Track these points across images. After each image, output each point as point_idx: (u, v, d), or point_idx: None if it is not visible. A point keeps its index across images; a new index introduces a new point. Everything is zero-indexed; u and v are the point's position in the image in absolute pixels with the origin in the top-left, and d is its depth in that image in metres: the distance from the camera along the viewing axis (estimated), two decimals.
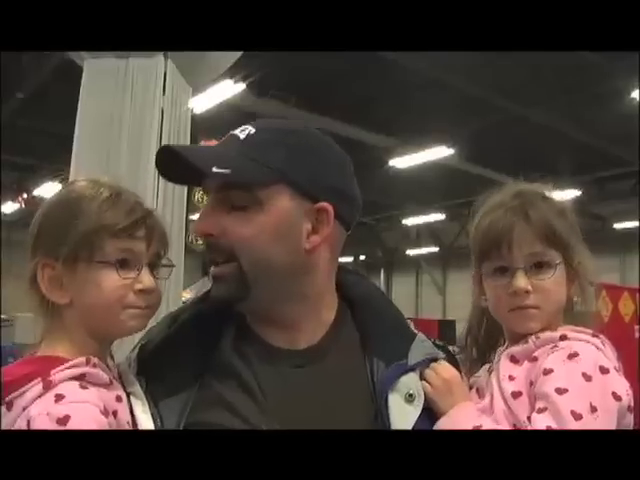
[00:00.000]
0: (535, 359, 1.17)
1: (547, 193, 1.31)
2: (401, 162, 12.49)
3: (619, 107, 9.79)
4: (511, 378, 1.18)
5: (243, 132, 1.18)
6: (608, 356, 1.16)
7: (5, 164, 12.91)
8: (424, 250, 21.70)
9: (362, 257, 23.86)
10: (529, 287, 1.22)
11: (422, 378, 1.18)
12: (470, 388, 1.26)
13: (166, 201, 3.71)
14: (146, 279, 1.13)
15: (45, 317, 1.13)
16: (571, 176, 13.06)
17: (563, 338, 1.18)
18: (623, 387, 1.12)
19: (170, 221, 3.77)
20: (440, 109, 10.28)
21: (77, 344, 1.11)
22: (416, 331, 1.26)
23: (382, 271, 24.78)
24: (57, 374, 1.02)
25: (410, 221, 19.17)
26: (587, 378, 1.09)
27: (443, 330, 16.46)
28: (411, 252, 22.36)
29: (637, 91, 9.29)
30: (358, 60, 8.68)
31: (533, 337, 1.21)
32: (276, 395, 1.12)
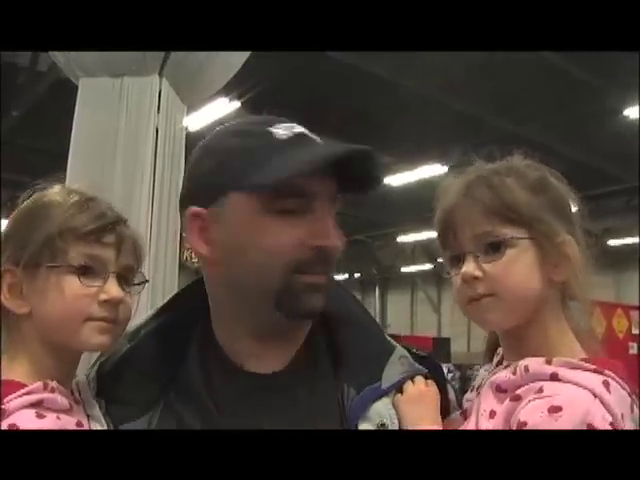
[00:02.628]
0: (518, 398, 0.97)
1: (513, 167, 1.12)
2: (396, 180, 12.51)
3: (612, 125, 9.86)
4: (492, 414, 1.00)
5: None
6: (609, 405, 0.92)
7: (1, 182, 12.89)
8: (419, 267, 21.68)
9: (357, 274, 23.83)
10: (477, 272, 1.03)
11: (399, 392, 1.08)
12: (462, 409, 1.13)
13: (161, 219, 3.71)
14: (113, 289, 1.04)
15: (5, 329, 1.04)
16: None
17: (554, 377, 0.96)
18: None
19: (165, 238, 3.76)
20: (434, 127, 10.31)
21: (36, 362, 1.02)
22: (395, 344, 1.14)
23: (377, 288, 24.73)
24: (11, 402, 0.93)
25: (405, 238, 19.17)
26: None
27: (438, 348, 16.43)
28: (406, 269, 22.34)
29: (630, 109, 9.34)
30: (353, 77, 8.72)
31: (522, 367, 0.99)
32: (236, 419, 1.03)
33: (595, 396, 0.92)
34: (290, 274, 1.02)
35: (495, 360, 1.14)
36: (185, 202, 1.08)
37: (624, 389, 0.96)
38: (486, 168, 1.13)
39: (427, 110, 9.73)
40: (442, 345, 17.23)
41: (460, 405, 1.17)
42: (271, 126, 1.07)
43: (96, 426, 1.03)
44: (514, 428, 0.93)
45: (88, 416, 1.03)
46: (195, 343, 1.13)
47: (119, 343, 1.13)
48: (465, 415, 1.10)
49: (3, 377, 0.98)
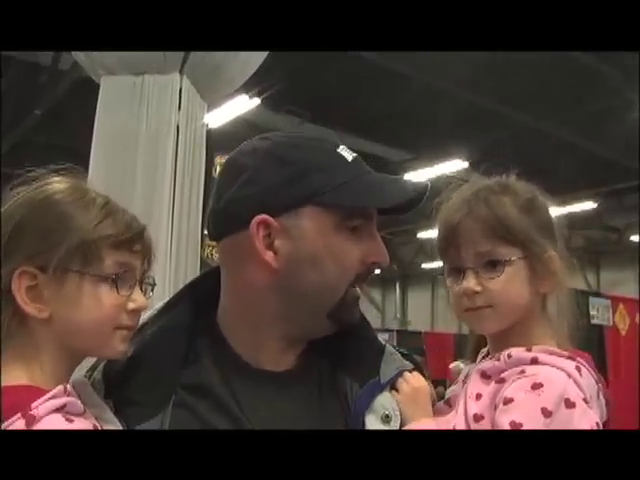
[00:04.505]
0: (503, 381, 1.09)
1: (509, 186, 1.22)
2: (416, 176, 12.46)
3: (635, 119, 9.75)
4: (478, 397, 1.10)
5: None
6: (580, 385, 1.06)
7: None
8: (440, 264, 21.54)
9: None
10: (477, 288, 1.15)
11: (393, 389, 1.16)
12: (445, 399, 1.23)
13: (182, 216, 3.73)
14: (140, 298, 1.04)
15: (14, 333, 0.98)
16: (587, 189, 12.99)
17: (534, 361, 1.09)
18: (589, 423, 1.02)
19: (186, 236, 3.78)
20: (454, 122, 10.27)
21: (46, 368, 0.98)
22: (384, 343, 1.23)
23: (397, 285, 24.68)
24: (39, 407, 0.90)
25: (425, 235, 19.10)
26: (547, 414, 1.00)
27: (459, 344, 16.36)
28: (427, 266, 22.26)
29: None
30: (372, 74, 8.70)
31: (505, 354, 1.12)
32: (257, 417, 1.07)
33: (569, 376, 1.06)
34: (350, 287, 1.12)
35: (479, 358, 1.24)
36: (251, 208, 1.08)
37: (592, 377, 1.11)
38: (483, 186, 1.22)
39: (447, 105, 9.70)
40: (463, 341, 17.16)
41: (441, 396, 1.26)
42: (333, 145, 1.16)
43: (109, 427, 1.01)
44: (500, 405, 1.05)
45: (95, 417, 1.01)
46: (201, 340, 1.16)
47: None
48: (449, 404, 1.20)
49: (19, 381, 0.95)
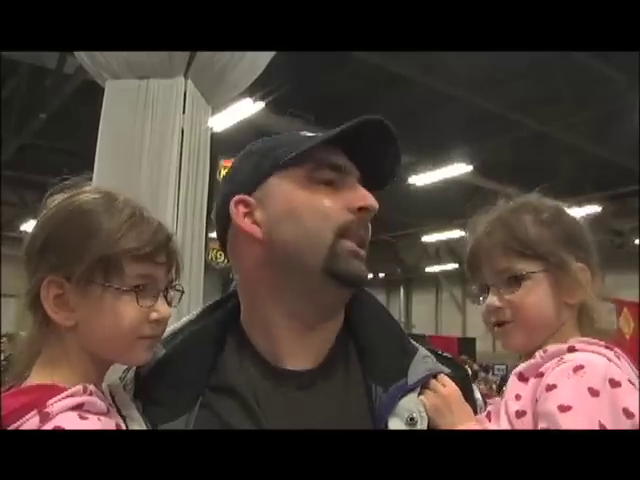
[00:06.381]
0: (541, 375, 1.08)
1: (530, 204, 1.23)
2: (420, 179, 12.47)
3: (636, 123, 9.74)
4: (517, 397, 1.09)
5: None
6: (622, 368, 1.05)
7: (28, 183, 13.07)
8: (443, 267, 21.61)
9: (381, 274, 23.81)
10: (498, 303, 1.17)
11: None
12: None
13: (186, 219, 3.74)
14: (163, 308, 1.05)
15: (43, 339, 1.02)
16: (591, 192, 12.98)
17: (571, 350, 1.09)
18: (637, 402, 0.98)
19: (190, 239, 3.79)
20: (459, 126, 10.28)
21: (77, 370, 1.01)
22: (418, 346, 1.20)
23: (402, 288, 24.69)
24: (54, 405, 0.93)
25: (429, 238, 19.12)
26: (594, 393, 0.98)
27: (463, 347, 16.37)
28: (430, 269, 22.28)
29: None
30: (376, 77, 8.71)
31: (541, 351, 1.12)
32: (277, 418, 1.07)
33: (610, 360, 1.05)
34: (337, 239, 1.10)
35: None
36: (228, 198, 1.14)
37: (631, 367, 1.08)
38: (506, 208, 1.25)
39: (451, 109, 9.70)
40: (467, 345, 17.15)
41: (486, 405, 1.21)
42: (302, 132, 1.19)
43: (134, 426, 1.03)
44: (543, 393, 1.03)
45: (124, 417, 1.03)
46: (230, 342, 1.18)
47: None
48: (489, 417, 1.15)
49: (43, 381, 0.98)
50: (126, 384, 1.14)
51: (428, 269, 22.33)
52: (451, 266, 21.13)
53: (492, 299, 1.18)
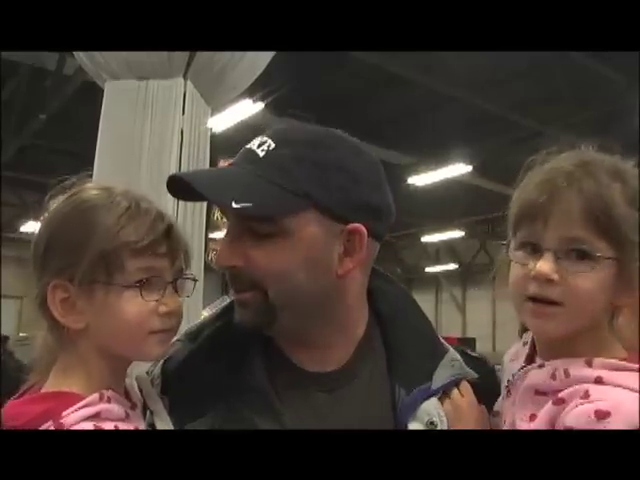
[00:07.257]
0: (562, 402, 0.92)
1: (620, 171, 0.99)
2: (420, 179, 12.46)
3: (637, 123, 9.74)
4: (532, 418, 0.96)
5: (262, 148, 1.07)
6: None
7: (28, 184, 13.06)
8: (443, 267, 21.59)
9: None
10: (554, 275, 0.93)
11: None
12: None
13: (186, 219, 3.73)
14: (171, 300, 1.02)
15: (56, 343, 1.01)
16: None
17: (598, 381, 0.91)
18: None
19: (190, 239, 3.79)
20: (459, 126, 10.27)
21: (93, 373, 1.00)
22: (448, 347, 1.17)
23: None
24: (69, 416, 0.91)
25: (429, 238, 19.10)
26: None
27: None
28: (430, 269, 22.25)
29: None
30: (376, 78, 8.71)
31: (561, 372, 0.95)
32: (301, 420, 1.06)
33: None
34: None
35: (522, 343, 1.11)
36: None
37: None
38: (591, 159, 1.01)
39: (451, 109, 9.70)
40: (467, 345, 17.14)
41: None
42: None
43: (160, 424, 1.04)
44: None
45: (152, 412, 1.04)
46: (256, 344, 1.15)
47: (180, 342, 1.16)
48: (495, 415, 1.11)
49: (59, 389, 0.97)
50: (154, 378, 1.13)
51: (428, 269, 22.29)
52: (451, 266, 21.12)
53: (546, 266, 0.94)
